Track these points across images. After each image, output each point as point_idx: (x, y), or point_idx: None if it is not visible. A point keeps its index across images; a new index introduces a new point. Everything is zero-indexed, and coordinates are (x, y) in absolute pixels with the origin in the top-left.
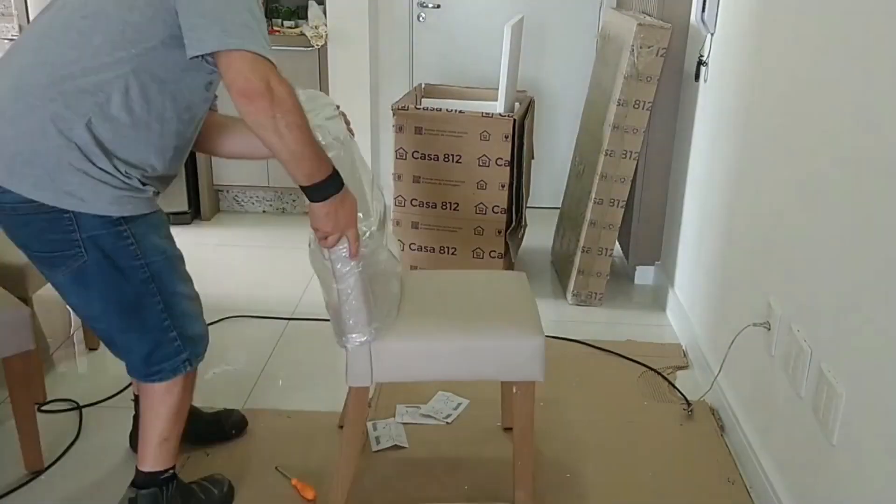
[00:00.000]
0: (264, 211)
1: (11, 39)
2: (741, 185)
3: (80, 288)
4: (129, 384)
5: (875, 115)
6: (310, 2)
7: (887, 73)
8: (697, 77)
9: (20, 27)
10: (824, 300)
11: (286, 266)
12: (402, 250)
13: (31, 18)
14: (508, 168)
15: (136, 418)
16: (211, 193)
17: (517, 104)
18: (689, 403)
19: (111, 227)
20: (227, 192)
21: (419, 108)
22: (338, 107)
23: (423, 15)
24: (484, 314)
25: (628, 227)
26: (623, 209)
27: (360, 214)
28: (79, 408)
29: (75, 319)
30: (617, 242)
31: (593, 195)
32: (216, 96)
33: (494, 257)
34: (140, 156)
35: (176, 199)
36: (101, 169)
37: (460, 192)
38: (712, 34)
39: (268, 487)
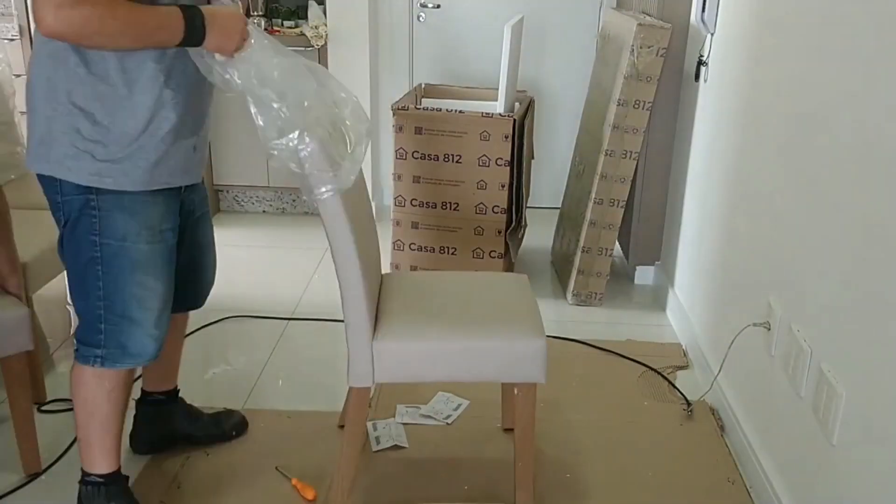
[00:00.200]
0: (264, 211)
1: (11, 39)
2: (741, 184)
3: (60, 247)
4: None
5: (875, 115)
6: (310, 2)
7: (887, 72)
8: (697, 77)
9: (20, 27)
10: (824, 300)
11: (286, 266)
12: (402, 250)
13: (31, 18)
14: (508, 168)
15: (136, 419)
16: (211, 193)
17: (517, 104)
18: (689, 403)
19: (83, 192)
20: (227, 192)
21: (419, 108)
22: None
23: (423, 15)
24: (486, 316)
25: (628, 227)
26: (623, 209)
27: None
28: None
29: (75, 319)
30: (617, 242)
31: (593, 195)
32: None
33: (494, 257)
34: (119, 120)
35: None
36: (86, 138)
37: (460, 192)
38: (712, 34)
39: (268, 487)
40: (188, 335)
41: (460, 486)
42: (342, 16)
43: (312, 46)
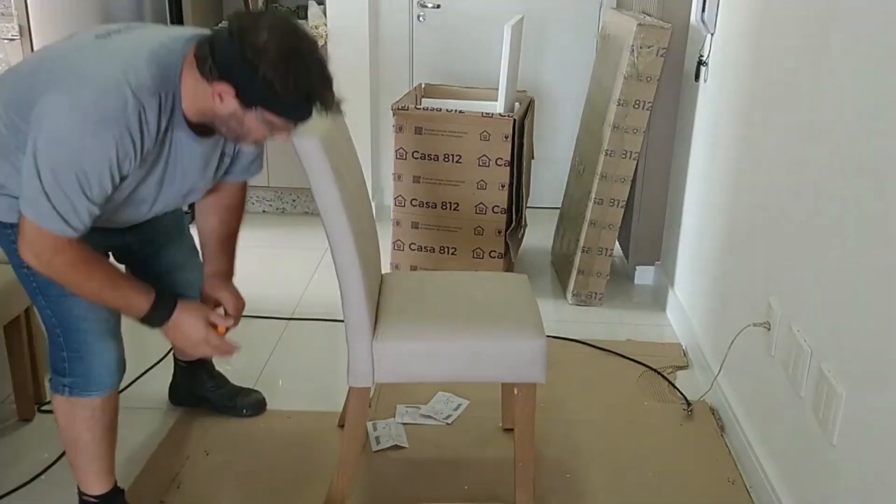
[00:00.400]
0: (264, 211)
1: (11, 39)
2: (741, 184)
3: None
4: (172, 354)
5: (875, 115)
6: (310, 2)
7: (887, 72)
8: (697, 77)
9: (20, 27)
10: (824, 300)
11: (286, 266)
12: (402, 250)
13: (31, 18)
14: (508, 168)
15: (174, 373)
16: None
17: (517, 104)
18: (689, 403)
19: (4, 228)
20: None
21: (419, 108)
22: None
23: (423, 15)
24: (486, 316)
25: (628, 227)
26: (623, 209)
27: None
28: None
29: None
30: (617, 242)
31: (593, 195)
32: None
33: (494, 257)
34: None
35: None
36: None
37: (460, 192)
38: (712, 34)
39: (268, 488)
40: None
41: (460, 486)
42: (342, 16)
43: None
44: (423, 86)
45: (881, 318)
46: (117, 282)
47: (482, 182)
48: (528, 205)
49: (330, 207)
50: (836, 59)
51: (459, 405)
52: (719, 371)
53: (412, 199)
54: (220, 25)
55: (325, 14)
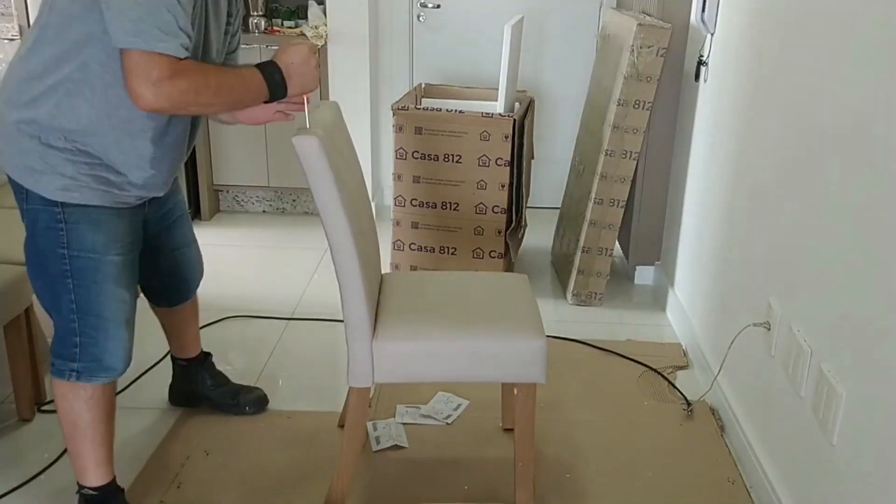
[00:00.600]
0: (264, 211)
1: (11, 39)
2: (741, 184)
3: (25, 253)
4: (171, 355)
5: (875, 115)
6: (310, 2)
7: (887, 72)
8: (697, 77)
9: (20, 27)
10: (824, 300)
11: (286, 266)
12: (402, 249)
13: (30, 18)
14: (508, 168)
15: (173, 374)
16: (211, 193)
17: (517, 104)
18: (689, 403)
19: (49, 206)
20: (227, 192)
21: (419, 108)
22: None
23: (423, 15)
24: (486, 316)
25: (628, 227)
26: (623, 209)
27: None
28: None
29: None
30: (617, 242)
31: (593, 195)
32: None
33: (494, 257)
34: (100, 149)
35: None
36: (57, 150)
37: (460, 192)
38: (712, 34)
39: (267, 488)
40: None
41: (460, 486)
42: (342, 16)
43: None
44: (423, 86)
45: (881, 318)
46: (226, 69)
47: (482, 182)
48: (528, 205)
49: (330, 207)
50: (836, 59)
51: (459, 405)
52: (719, 371)
53: (412, 199)
54: None
55: (325, 14)
